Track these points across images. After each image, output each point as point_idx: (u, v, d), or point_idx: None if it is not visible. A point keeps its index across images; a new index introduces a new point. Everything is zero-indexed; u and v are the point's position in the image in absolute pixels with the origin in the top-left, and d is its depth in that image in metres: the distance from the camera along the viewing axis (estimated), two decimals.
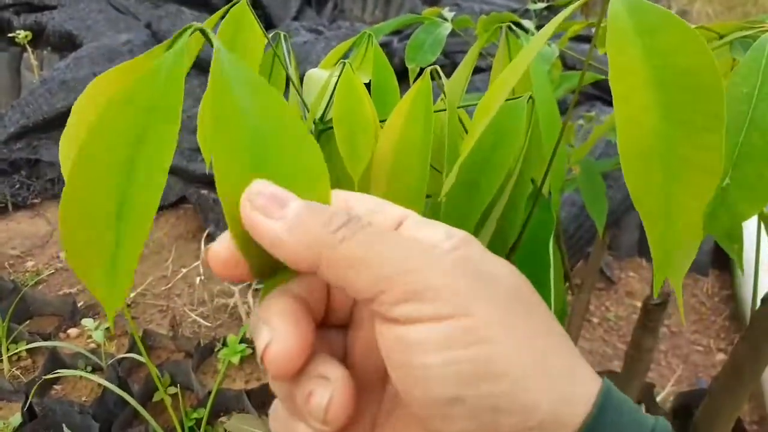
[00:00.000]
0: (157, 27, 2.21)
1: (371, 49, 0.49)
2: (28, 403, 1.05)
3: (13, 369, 1.22)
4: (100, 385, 1.08)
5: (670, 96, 0.25)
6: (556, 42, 0.65)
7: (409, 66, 0.62)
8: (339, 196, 0.23)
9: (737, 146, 0.30)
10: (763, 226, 0.54)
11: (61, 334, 1.31)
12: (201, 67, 0.37)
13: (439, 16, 0.67)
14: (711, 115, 0.25)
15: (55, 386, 1.19)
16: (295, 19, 2.41)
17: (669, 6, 3.04)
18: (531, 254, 0.43)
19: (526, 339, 0.19)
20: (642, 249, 1.68)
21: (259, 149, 0.21)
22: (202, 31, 0.23)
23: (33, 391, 1.05)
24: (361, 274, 0.19)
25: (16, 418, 1.06)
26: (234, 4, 0.42)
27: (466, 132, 0.43)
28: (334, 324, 0.24)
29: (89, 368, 1.18)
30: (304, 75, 0.48)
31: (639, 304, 1.51)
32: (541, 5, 1.03)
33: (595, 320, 1.46)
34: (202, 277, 1.47)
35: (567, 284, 0.65)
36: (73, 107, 0.25)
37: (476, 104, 0.34)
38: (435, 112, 0.38)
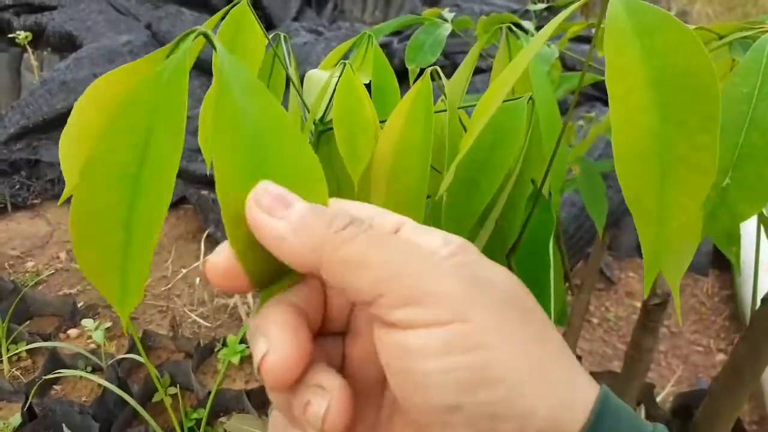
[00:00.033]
0: (157, 28, 2.22)
1: (371, 50, 0.49)
2: (28, 404, 1.05)
3: (13, 369, 1.22)
4: (100, 385, 1.08)
5: (668, 96, 0.25)
6: (556, 43, 0.65)
7: (409, 67, 0.62)
8: (337, 204, 0.23)
9: (737, 146, 0.30)
10: (762, 226, 0.54)
11: (61, 335, 1.31)
12: (201, 67, 0.37)
13: (439, 16, 0.67)
14: (707, 116, 0.25)
15: (55, 386, 1.19)
16: (295, 19, 2.41)
17: (669, 7, 3.04)
18: (531, 255, 0.43)
19: (522, 345, 0.19)
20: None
21: (258, 151, 0.21)
22: (206, 36, 0.23)
23: (33, 391, 1.05)
24: (362, 275, 0.19)
25: (16, 419, 1.06)
26: (234, 5, 0.42)
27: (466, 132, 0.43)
28: (331, 332, 0.24)
29: (89, 368, 1.18)
30: (304, 76, 0.48)
31: (639, 305, 1.51)
32: (541, 6, 1.03)
33: (595, 320, 1.46)
34: (202, 278, 1.47)
35: (567, 284, 0.65)
36: (73, 108, 0.25)
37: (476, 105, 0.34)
38: (435, 112, 0.38)
